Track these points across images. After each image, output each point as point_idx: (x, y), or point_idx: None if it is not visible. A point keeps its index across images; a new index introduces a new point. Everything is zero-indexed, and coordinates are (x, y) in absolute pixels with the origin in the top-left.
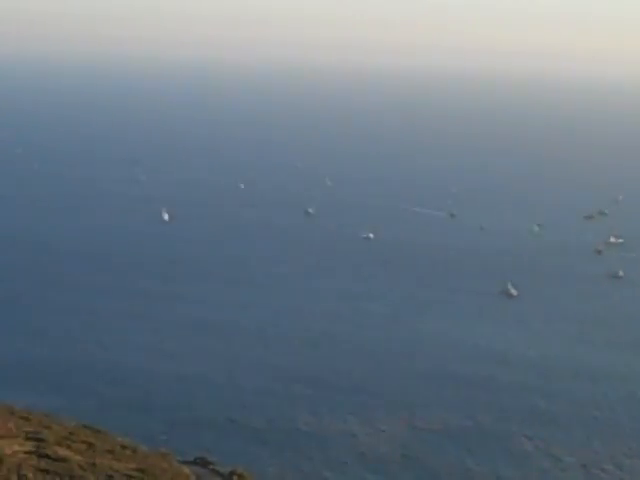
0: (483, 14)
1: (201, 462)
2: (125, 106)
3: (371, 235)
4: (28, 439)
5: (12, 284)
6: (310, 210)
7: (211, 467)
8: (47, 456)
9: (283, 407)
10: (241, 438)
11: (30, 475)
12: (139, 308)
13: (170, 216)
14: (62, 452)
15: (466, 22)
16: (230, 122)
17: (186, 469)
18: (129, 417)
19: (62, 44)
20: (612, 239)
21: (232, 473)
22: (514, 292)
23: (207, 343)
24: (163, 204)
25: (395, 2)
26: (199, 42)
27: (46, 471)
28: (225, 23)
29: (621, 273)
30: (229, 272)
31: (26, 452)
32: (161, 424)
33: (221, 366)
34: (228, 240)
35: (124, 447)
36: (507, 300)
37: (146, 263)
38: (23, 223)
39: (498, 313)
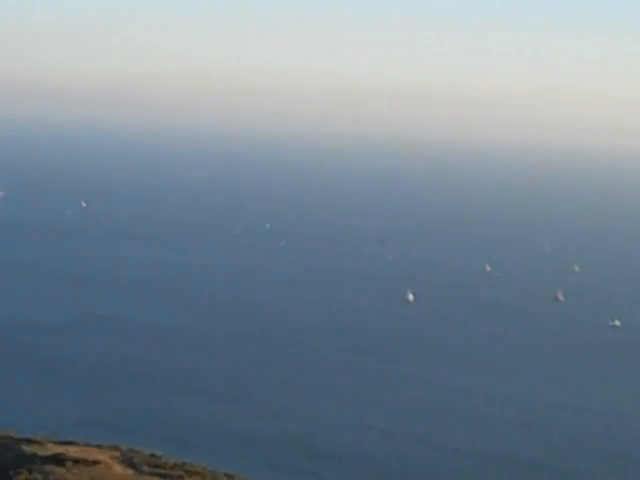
0: None
1: None
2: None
3: (618, 323)
4: None
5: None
6: (559, 296)
7: None
8: None
9: None
10: None
11: None
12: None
13: (415, 297)
14: None
15: None
16: (472, 202)
17: None
18: None
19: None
20: None
21: None
22: None
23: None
24: (408, 284)
25: None
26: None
27: None
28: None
29: None
30: (472, 357)
31: None
32: None
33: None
34: (472, 322)
35: None
36: None
37: (390, 343)
38: (272, 297)
39: None
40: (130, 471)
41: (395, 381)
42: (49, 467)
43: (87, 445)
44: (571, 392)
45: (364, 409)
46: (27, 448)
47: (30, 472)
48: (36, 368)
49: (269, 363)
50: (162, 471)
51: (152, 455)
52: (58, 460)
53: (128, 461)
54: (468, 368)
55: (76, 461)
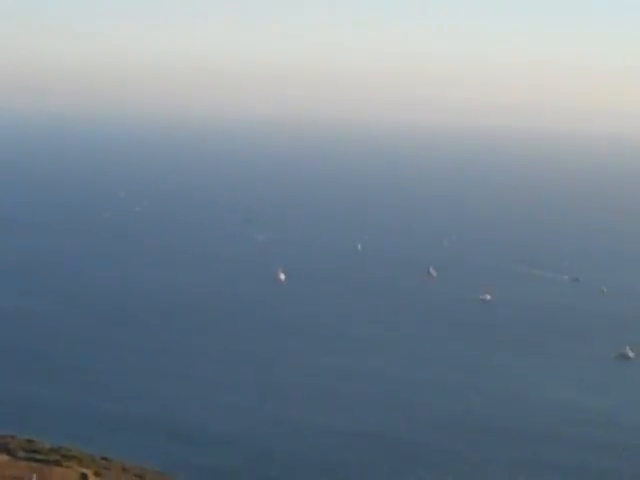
0: None
1: None
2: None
3: (488, 297)
4: None
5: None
6: (432, 272)
7: None
8: None
9: None
10: None
11: None
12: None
13: (286, 276)
14: None
15: None
16: (344, 184)
17: None
18: (239, 476)
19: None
20: None
21: None
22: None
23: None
24: (279, 264)
25: None
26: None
27: None
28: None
29: None
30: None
31: None
32: None
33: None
34: (343, 300)
35: None
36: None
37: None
38: (137, 280)
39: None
40: (6, 457)
41: (261, 363)
42: None
43: None
44: (434, 368)
45: (227, 389)
46: None
47: None
48: None
49: (132, 347)
50: (39, 456)
51: (28, 441)
52: None
53: (4, 447)
54: (335, 347)
55: None
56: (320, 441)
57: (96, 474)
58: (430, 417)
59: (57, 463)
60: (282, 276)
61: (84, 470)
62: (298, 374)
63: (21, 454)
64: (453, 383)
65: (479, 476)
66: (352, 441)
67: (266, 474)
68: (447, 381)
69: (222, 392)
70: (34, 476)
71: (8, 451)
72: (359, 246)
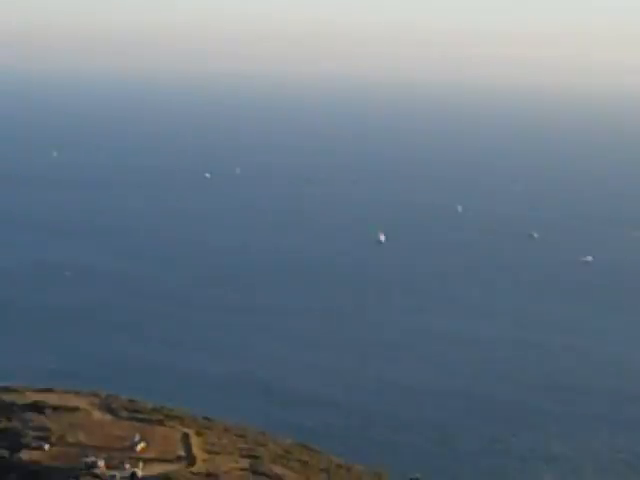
0: None
1: None
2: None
3: (589, 258)
4: (243, 456)
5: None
6: (534, 234)
7: None
8: (262, 474)
9: None
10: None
11: None
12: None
13: (386, 237)
14: (277, 470)
15: None
16: (440, 145)
17: None
18: (344, 437)
19: None
20: None
21: None
22: None
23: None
24: (380, 225)
25: None
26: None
27: None
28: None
29: None
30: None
31: (241, 469)
32: (377, 447)
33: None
34: (444, 261)
35: (339, 466)
36: None
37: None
38: (246, 242)
39: None
40: (109, 417)
41: (359, 323)
42: (29, 414)
43: (66, 392)
44: (532, 329)
45: (327, 349)
46: (5, 396)
47: (10, 420)
48: (4, 316)
49: (231, 308)
50: (141, 416)
51: (131, 400)
52: (37, 407)
53: (107, 407)
54: (434, 308)
55: (55, 408)
56: (420, 400)
57: (198, 434)
58: (527, 377)
59: (160, 423)
60: (382, 237)
61: (186, 430)
62: (396, 333)
63: (124, 414)
64: (551, 343)
65: (578, 434)
66: (449, 401)
67: (368, 434)
68: (545, 341)
69: (323, 352)
70: (137, 435)
71: (111, 411)
72: (459, 208)
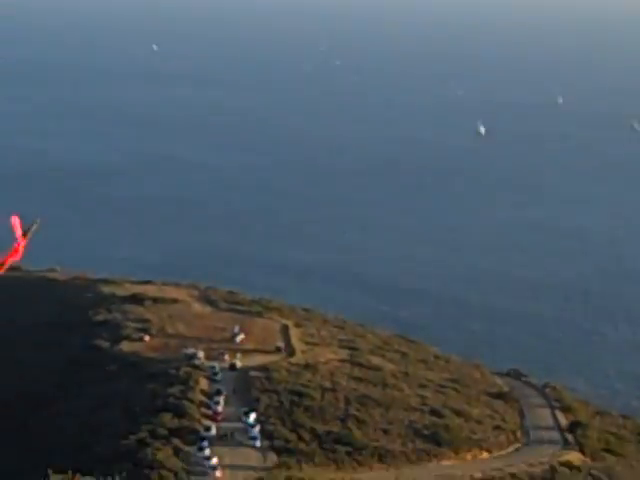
0: None
1: (514, 374)
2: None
3: None
4: (342, 347)
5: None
6: (635, 126)
7: (524, 379)
8: (360, 364)
9: None
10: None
11: (343, 382)
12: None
13: (486, 130)
14: (375, 361)
15: None
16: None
17: (499, 380)
18: (444, 329)
19: None
20: None
21: (545, 386)
22: None
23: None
24: (479, 117)
25: None
26: None
27: (359, 379)
28: None
29: None
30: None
31: (340, 360)
32: (474, 338)
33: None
34: (540, 154)
35: (437, 357)
36: None
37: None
38: (345, 133)
39: None
40: (208, 308)
41: (454, 215)
42: (128, 306)
43: (165, 284)
44: (629, 223)
45: (419, 242)
46: (105, 288)
47: (109, 311)
48: (105, 209)
49: (329, 202)
50: (240, 307)
51: (230, 292)
52: (137, 299)
53: (206, 298)
54: (530, 199)
55: (155, 300)
56: (514, 290)
57: (297, 325)
58: (624, 270)
59: (258, 314)
60: (482, 129)
61: (285, 321)
62: (490, 226)
63: (223, 305)
64: None
65: None
66: (544, 292)
67: (460, 323)
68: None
69: (414, 245)
70: (237, 327)
71: (210, 302)
72: (560, 99)
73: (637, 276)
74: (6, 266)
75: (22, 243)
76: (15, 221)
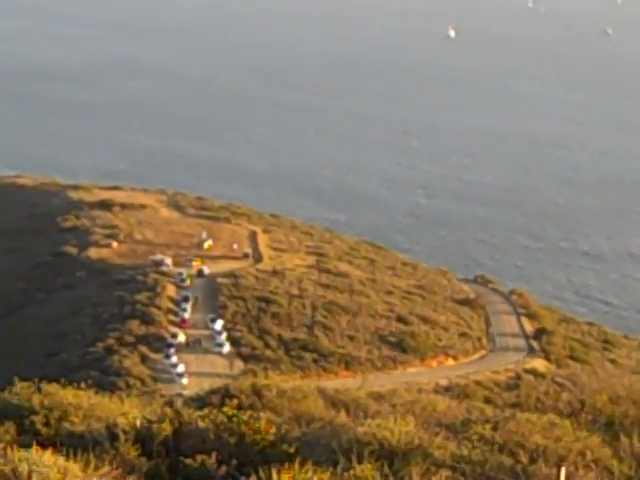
0: None
1: (481, 281)
2: None
3: None
4: (309, 253)
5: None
6: (608, 31)
7: (491, 286)
8: (328, 271)
9: None
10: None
11: (311, 289)
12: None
13: (456, 33)
14: (343, 267)
15: None
16: None
17: (465, 287)
18: (408, 234)
19: None
20: None
21: (511, 292)
22: None
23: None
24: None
25: None
26: None
27: (326, 285)
28: None
29: None
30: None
31: (307, 266)
32: (440, 246)
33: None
34: (510, 59)
35: (404, 264)
36: None
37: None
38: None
39: None
40: (177, 214)
41: (422, 122)
42: (96, 212)
43: (133, 190)
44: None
45: (387, 151)
46: (73, 194)
47: (78, 218)
48: (73, 111)
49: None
50: (208, 213)
51: (198, 198)
52: (105, 205)
53: (174, 204)
54: (499, 106)
55: (123, 206)
56: (471, 200)
57: (265, 231)
58: (580, 177)
59: (226, 220)
60: (452, 33)
61: (253, 227)
62: (459, 133)
63: (191, 211)
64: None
65: None
66: (499, 200)
67: (424, 230)
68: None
69: (383, 154)
70: (204, 233)
71: (178, 208)
72: (530, 3)
73: (588, 181)
74: None
75: None
76: None
